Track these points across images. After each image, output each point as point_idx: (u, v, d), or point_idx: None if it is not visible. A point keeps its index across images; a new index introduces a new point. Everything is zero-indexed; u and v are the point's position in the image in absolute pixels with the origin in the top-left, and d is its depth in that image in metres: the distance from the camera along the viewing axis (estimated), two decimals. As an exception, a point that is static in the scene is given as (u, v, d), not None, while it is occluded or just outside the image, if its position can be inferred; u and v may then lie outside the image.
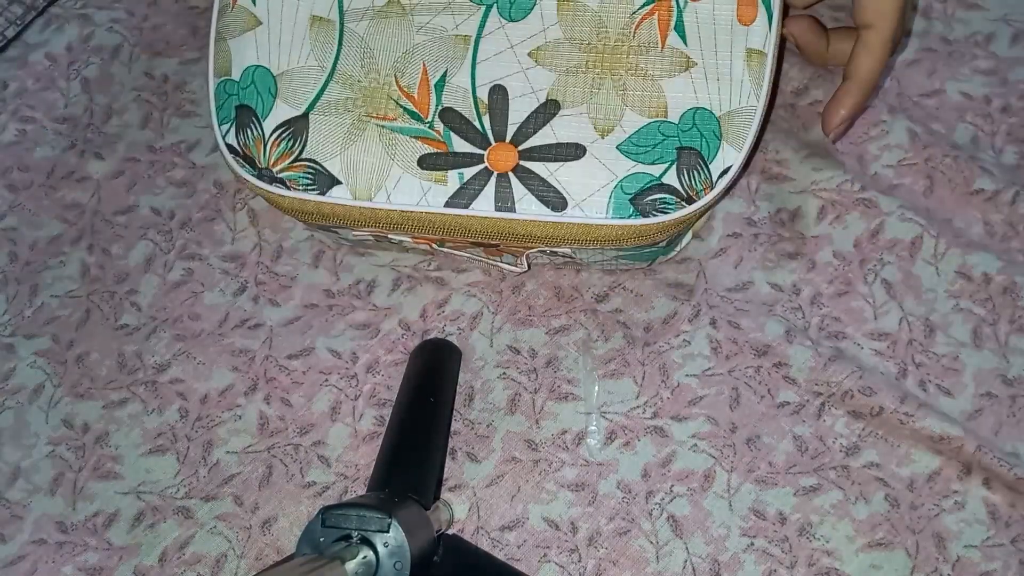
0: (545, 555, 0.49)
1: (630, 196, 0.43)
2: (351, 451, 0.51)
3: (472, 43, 0.45)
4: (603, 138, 0.43)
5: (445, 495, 0.50)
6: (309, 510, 0.51)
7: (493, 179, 0.44)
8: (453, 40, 0.45)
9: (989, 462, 0.47)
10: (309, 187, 0.45)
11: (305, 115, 0.45)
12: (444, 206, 0.44)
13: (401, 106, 0.44)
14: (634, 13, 0.44)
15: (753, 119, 0.43)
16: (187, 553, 0.50)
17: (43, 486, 0.52)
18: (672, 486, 0.49)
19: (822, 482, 0.48)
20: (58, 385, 0.55)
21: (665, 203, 0.43)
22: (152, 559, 0.50)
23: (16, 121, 0.61)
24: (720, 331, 0.52)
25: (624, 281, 0.53)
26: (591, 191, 0.43)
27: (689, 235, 0.52)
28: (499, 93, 0.44)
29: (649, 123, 0.43)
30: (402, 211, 0.44)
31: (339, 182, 0.44)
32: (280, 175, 0.45)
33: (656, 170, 0.43)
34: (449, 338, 0.53)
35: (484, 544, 0.49)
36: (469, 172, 0.44)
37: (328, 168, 0.44)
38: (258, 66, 0.45)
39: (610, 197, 0.43)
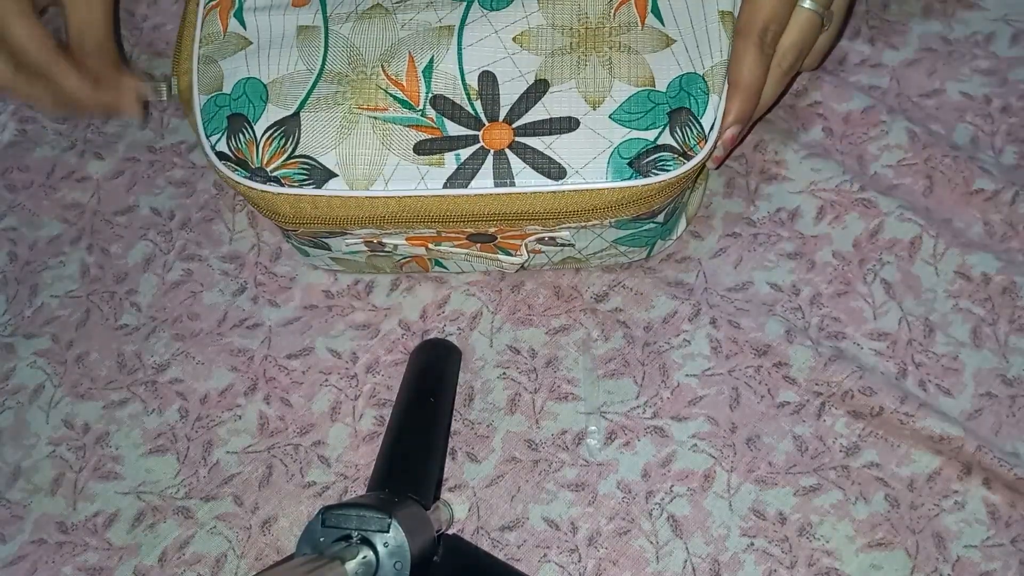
0: (545, 555, 0.49)
1: (627, 160, 0.44)
2: (351, 451, 0.51)
3: (456, 31, 0.46)
4: (595, 109, 0.44)
5: (445, 495, 0.50)
6: (309, 510, 0.51)
7: (490, 156, 0.44)
8: (437, 31, 0.46)
9: (989, 462, 0.47)
10: (304, 182, 0.45)
11: (296, 114, 0.45)
12: (443, 187, 0.44)
13: (391, 95, 0.45)
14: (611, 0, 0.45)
15: None
16: (187, 553, 0.50)
17: (43, 486, 0.52)
18: (672, 486, 0.49)
19: (822, 482, 0.48)
20: (58, 385, 0.55)
21: (663, 161, 0.44)
22: (152, 559, 0.50)
23: (16, 121, 0.61)
24: (720, 331, 0.52)
25: (624, 280, 0.53)
26: (589, 158, 0.44)
27: (684, 220, 0.52)
28: (488, 78, 0.45)
29: (638, 91, 0.44)
30: (400, 197, 0.44)
31: (335, 175, 0.45)
32: (274, 173, 0.45)
33: (650, 135, 0.44)
34: (449, 338, 0.53)
35: (484, 544, 0.49)
36: (465, 152, 0.44)
37: (323, 162, 0.45)
38: (249, 78, 0.46)
39: (608, 162, 0.44)
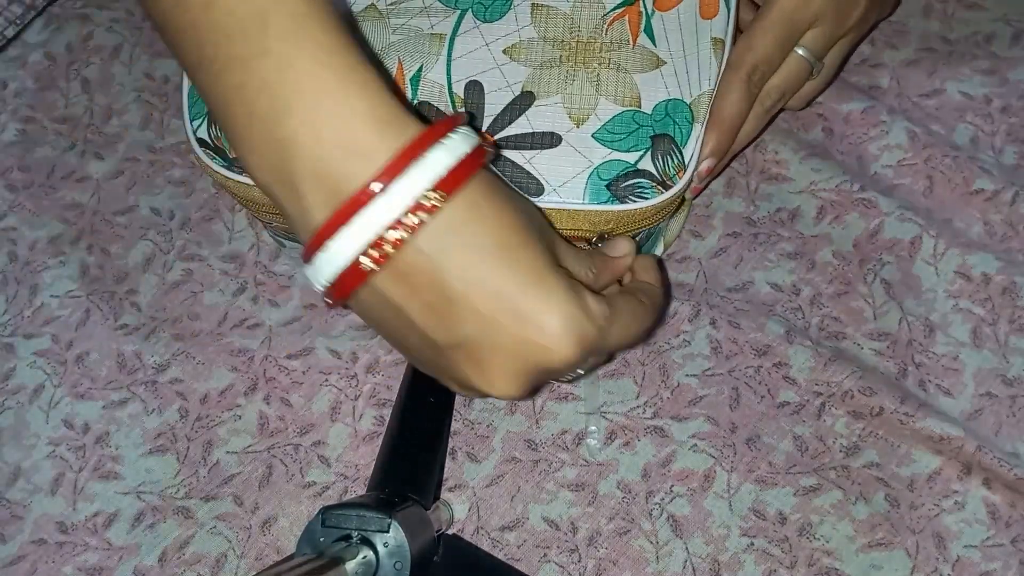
0: (545, 555, 0.49)
1: (606, 182, 0.43)
2: (351, 451, 0.51)
3: (447, 41, 0.45)
4: (578, 127, 0.44)
5: (445, 495, 0.50)
6: (309, 510, 0.51)
7: None
8: (428, 38, 0.45)
9: (989, 462, 0.47)
10: None
11: None
12: None
13: None
14: (605, 15, 0.45)
15: None
16: (187, 553, 0.50)
17: (43, 486, 0.52)
18: (672, 486, 0.49)
19: (822, 482, 0.48)
20: (58, 385, 0.55)
21: (641, 188, 0.43)
22: (152, 559, 0.50)
23: (16, 121, 0.61)
24: (720, 331, 0.52)
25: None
26: (568, 177, 0.43)
27: (661, 246, 0.52)
28: (475, 88, 0.45)
29: (623, 111, 0.44)
30: None
31: None
32: None
33: (631, 157, 0.44)
34: (449, 338, 0.53)
35: (484, 544, 0.49)
36: None
37: None
38: None
39: (587, 183, 0.43)
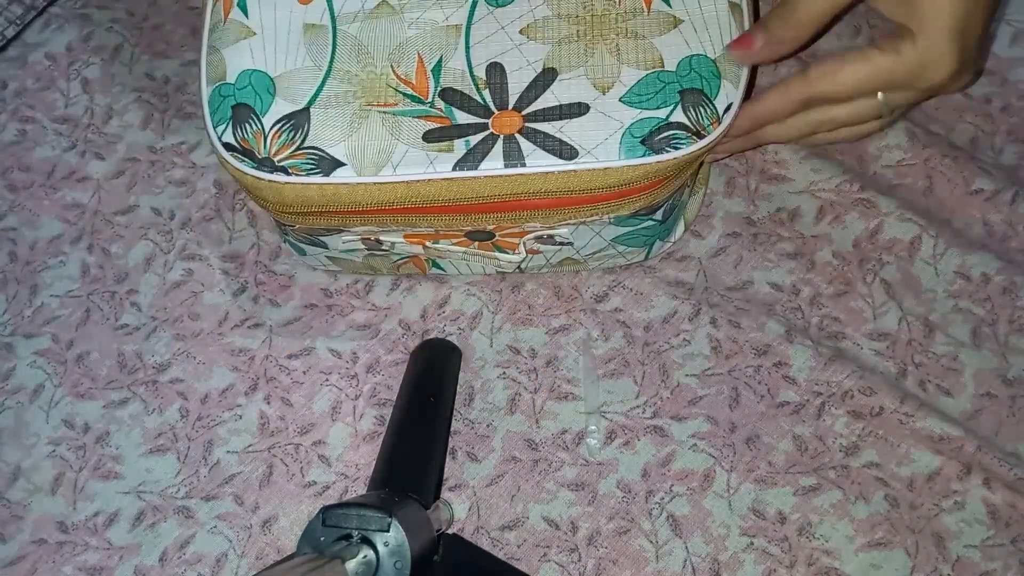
0: (545, 555, 0.49)
1: (640, 138, 0.44)
2: (351, 451, 0.51)
3: (463, 30, 0.46)
4: (604, 94, 0.44)
5: (445, 495, 0.50)
6: (309, 510, 0.51)
7: (500, 140, 0.44)
8: (444, 30, 0.46)
9: (989, 462, 0.47)
10: (312, 171, 0.45)
11: (306, 108, 0.45)
12: (452, 169, 0.44)
13: (400, 92, 0.45)
14: None
15: None
16: (187, 553, 0.50)
17: (43, 486, 0.52)
18: (672, 486, 0.49)
19: (822, 482, 0.48)
20: (58, 385, 0.55)
21: (677, 139, 0.44)
22: (152, 559, 0.50)
23: (16, 121, 0.61)
24: (720, 330, 0.52)
25: (624, 280, 0.53)
26: (601, 139, 0.44)
27: (682, 224, 0.52)
28: (496, 69, 0.45)
29: (647, 74, 0.44)
30: (409, 182, 0.44)
31: (343, 164, 0.45)
32: (282, 163, 0.45)
33: (662, 113, 0.44)
34: (449, 338, 0.53)
35: (484, 544, 0.49)
36: (475, 138, 0.44)
37: (332, 153, 0.45)
38: (255, 70, 0.46)
39: (620, 142, 0.44)
